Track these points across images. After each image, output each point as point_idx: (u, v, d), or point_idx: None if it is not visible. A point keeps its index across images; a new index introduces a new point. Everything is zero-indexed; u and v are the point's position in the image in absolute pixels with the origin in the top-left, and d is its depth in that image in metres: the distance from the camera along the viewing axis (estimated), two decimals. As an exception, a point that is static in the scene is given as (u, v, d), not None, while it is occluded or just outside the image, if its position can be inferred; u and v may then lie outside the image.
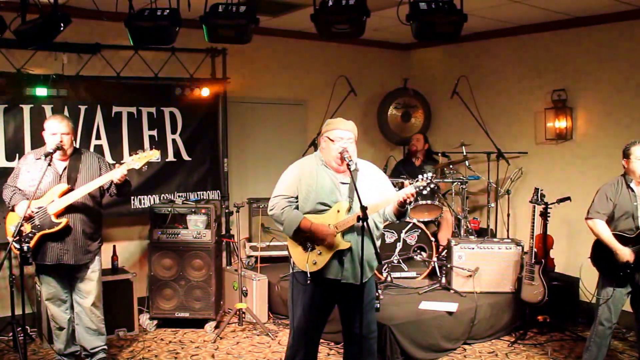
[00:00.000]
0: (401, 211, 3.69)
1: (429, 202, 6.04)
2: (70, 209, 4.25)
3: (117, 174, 4.23)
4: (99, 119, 5.69)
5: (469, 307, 5.32)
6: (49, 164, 4.15)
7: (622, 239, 4.24)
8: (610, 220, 4.35)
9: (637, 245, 4.17)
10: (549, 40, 6.36)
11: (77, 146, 4.70)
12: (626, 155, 4.27)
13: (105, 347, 4.61)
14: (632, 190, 4.26)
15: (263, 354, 5.12)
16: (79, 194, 4.24)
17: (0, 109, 5.24)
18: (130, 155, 4.37)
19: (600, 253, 4.37)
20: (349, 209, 3.66)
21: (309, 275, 3.66)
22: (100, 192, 4.46)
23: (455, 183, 6.27)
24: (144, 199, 5.95)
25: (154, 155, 4.38)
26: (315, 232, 3.62)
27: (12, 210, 4.31)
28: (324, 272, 3.68)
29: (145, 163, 4.37)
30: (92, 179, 4.31)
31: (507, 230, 6.49)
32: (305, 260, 3.68)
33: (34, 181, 4.15)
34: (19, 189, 4.32)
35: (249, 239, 6.72)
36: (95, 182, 4.27)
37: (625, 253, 4.18)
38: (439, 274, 5.92)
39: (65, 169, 4.34)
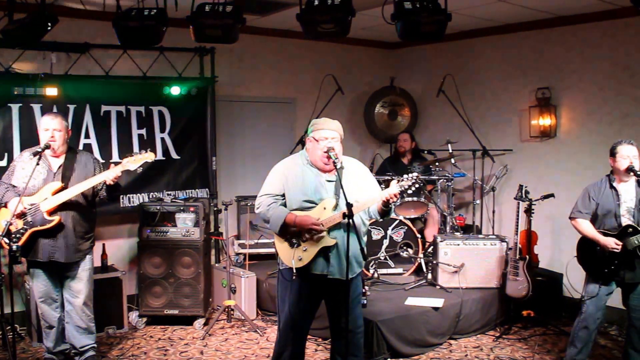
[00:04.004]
0: (385, 210, 3.75)
1: (415, 199, 6.11)
2: (63, 207, 4.27)
3: (110, 175, 4.24)
4: (87, 117, 5.69)
5: (455, 302, 5.39)
6: (37, 163, 4.19)
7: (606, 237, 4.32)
8: (595, 219, 4.42)
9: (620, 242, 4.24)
10: (533, 39, 6.43)
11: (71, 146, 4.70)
12: (612, 154, 4.34)
13: (95, 345, 4.64)
14: (615, 190, 4.34)
15: (251, 350, 5.17)
16: (72, 192, 4.26)
17: (-11, 109, 5.25)
18: (125, 157, 4.37)
19: (586, 252, 4.44)
20: (335, 206, 3.71)
21: (294, 271, 3.71)
22: (93, 193, 4.47)
23: (441, 180, 6.33)
24: (133, 198, 5.96)
25: (150, 157, 4.38)
26: (300, 223, 3.67)
27: (5, 206, 4.33)
28: (310, 268, 3.73)
29: (141, 165, 4.38)
30: (86, 178, 4.33)
31: (492, 227, 6.56)
32: (291, 256, 3.73)
33: (29, 178, 4.17)
34: (13, 186, 4.35)
35: (238, 237, 6.74)
36: (89, 181, 4.29)
37: (609, 241, 4.23)
38: (425, 270, 5.98)
39: (60, 167, 4.37)
